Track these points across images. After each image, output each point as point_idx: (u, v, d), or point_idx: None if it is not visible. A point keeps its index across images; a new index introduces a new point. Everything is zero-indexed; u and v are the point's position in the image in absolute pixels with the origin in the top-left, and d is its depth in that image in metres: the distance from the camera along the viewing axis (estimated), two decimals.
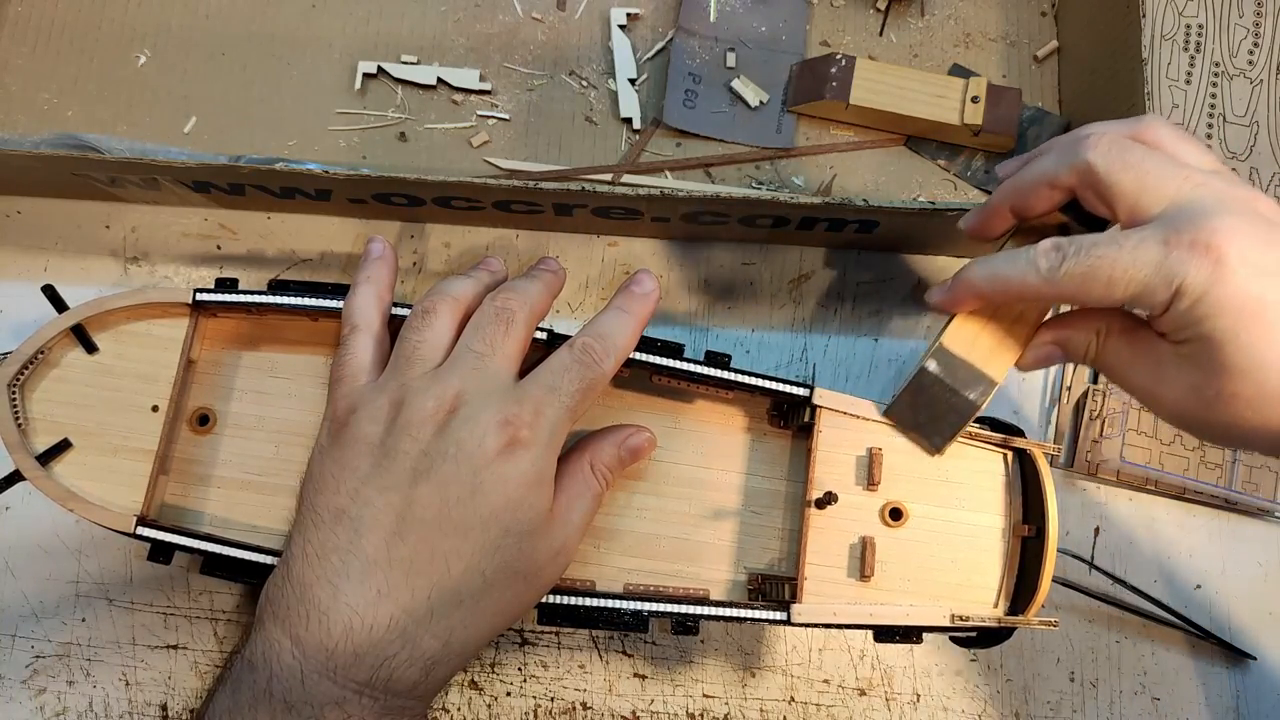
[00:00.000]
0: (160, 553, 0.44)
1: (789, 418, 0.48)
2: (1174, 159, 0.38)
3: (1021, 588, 0.45)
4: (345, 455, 0.41)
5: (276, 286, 0.46)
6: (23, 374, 0.44)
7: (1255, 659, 0.54)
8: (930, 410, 0.44)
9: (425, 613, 0.39)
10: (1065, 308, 0.44)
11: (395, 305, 0.45)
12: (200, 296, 0.45)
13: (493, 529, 0.39)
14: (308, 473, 0.42)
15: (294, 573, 0.40)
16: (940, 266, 0.58)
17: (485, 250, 0.57)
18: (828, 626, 0.44)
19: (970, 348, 0.43)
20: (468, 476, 0.39)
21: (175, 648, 0.53)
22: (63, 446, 0.44)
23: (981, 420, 0.47)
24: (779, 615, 0.43)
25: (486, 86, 0.59)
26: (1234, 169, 0.59)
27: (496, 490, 0.39)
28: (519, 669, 0.53)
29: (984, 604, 0.45)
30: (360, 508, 0.40)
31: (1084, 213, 0.40)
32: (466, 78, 0.59)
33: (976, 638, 0.46)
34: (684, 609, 0.44)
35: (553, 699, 0.53)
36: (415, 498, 0.39)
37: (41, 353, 0.45)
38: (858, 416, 0.46)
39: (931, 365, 0.43)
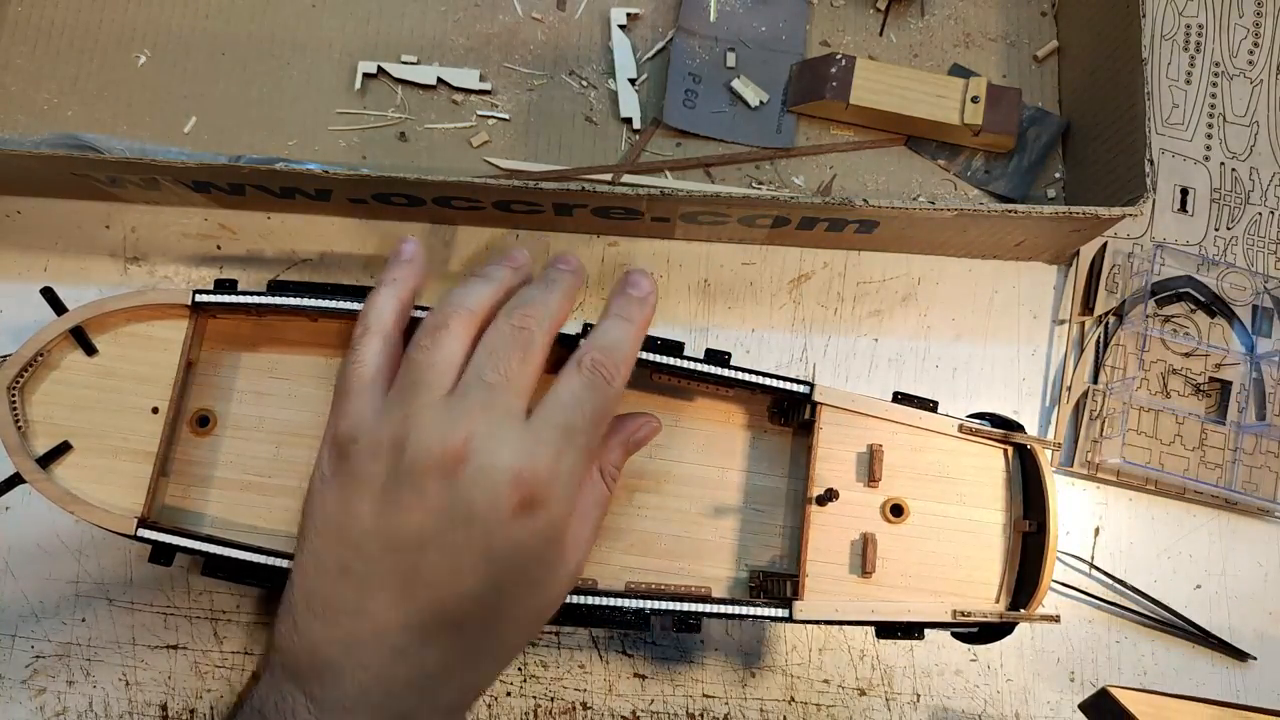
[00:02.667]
0: (161, 555, 0.44)
1: (789, 415, 0.48)
2: None
3: (1023, 583, 0.45)
4: (347, 497, 0.39)
5: (276, 287, 0.46)
6: (22, 376, 0.44)
7: (1255, 659, 0.54)
8: None
9: (440, 669, 0.38)
10: None
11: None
12: (200, 298, 0.45)
13: (506, 590, 0.38)
14: (309, 501, 0.40)
15: (301, 626, 0.38)
16: (941, 267, 0.58)
17: (485, 250, 0.57)
18: (829, 623, 0.44)
19: None
20: (480, 541, 0.37)
21: (175, 648, 0.52)
22: (63, 449, 0.44)
23: (982, 416, 0.47)
24: (781, 612, 0.43)
25: (486, 86, 0.59)
26: (1234, 169, 0.60)
27: (511, 556, 0.38)
28: (519, 669, 0.53)
29: (985, 600, 0.45)
30: (366, 565, 0.38)
31: None
32: (466, 78, 0.59)
33: (978, 633, 0.46)
34: (686, 607, 0.44)
35: (553, 699, 0.52)
36: (423, 563, 0.37)
37: (41, 355, 0.45)
38: (859, 413, 0.46)
39: None
